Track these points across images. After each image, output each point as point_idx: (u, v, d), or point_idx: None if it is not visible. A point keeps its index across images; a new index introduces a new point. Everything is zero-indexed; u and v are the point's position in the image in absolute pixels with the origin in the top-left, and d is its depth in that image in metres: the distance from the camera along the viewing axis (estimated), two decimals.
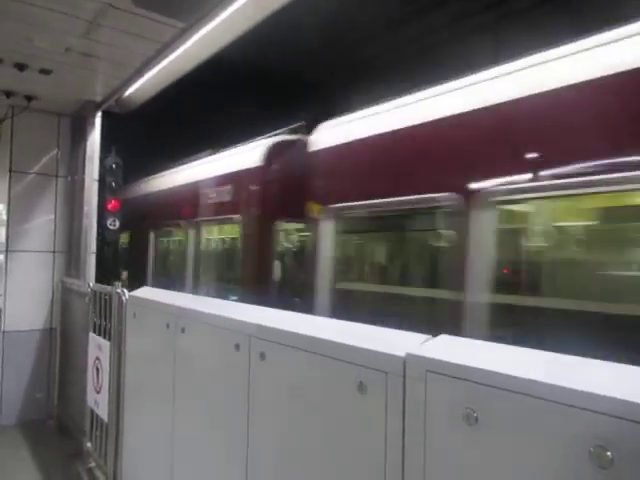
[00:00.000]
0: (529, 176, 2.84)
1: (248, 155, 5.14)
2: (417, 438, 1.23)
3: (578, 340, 1.94)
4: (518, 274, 3.20)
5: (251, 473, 1.87)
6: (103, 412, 3.46)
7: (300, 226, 4.84)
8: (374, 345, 1.40)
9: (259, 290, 4.62)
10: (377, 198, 3.72)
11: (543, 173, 2.80)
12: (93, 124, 5.10)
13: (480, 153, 3.19)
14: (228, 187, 5.27)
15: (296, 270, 4.91)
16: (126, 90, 4.62)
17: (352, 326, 1.68)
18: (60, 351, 5.11)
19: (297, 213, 4.33)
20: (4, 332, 4.95)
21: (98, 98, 4.96)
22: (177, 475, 2.44)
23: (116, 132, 5.95)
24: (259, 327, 1.88)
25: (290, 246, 5.15)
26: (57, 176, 5.34)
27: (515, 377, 1.05)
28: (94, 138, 5.13)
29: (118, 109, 5.15)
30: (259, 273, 4.81)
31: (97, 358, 3.66)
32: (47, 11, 3.15)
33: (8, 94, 4.67)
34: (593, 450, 0.92)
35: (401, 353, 1.30)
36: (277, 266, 4.75)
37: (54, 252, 5.28)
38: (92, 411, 3.79)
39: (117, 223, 6.22)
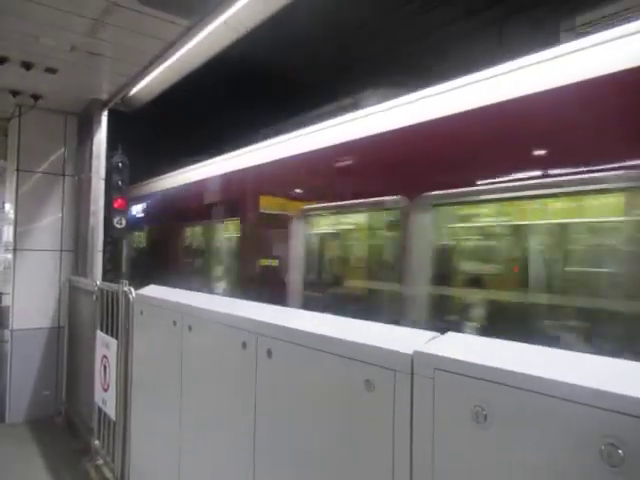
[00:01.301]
0: None
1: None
2: (425, 436, 1.22)
3: None
4: None
5: (258, 470, 1.87)
6: (110, 410, 3.48)
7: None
8: (381, 343, 1.39)
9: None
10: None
11: None
12: (99, 122, 5.12)
13: None
14: None
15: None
16: (132, 88, 4.64)
17: (359, 323, 1.68)
18: (68, 349, 5.14)
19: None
20: (12, 330, 4.99)
21: (104, 96, 4.97)
22: (184, 473, 2.45)
23: (122, 130, 5.96)
24: (266, 325, 1.87)
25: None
26: (64, 175, 5.37)
27: (525, 374, 1.04)
28: (100, 136, 5.15)
29: (124, 107, 5.17)
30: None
31: (104, 356, 3.68)
32: (53, 10, 3.16)
33: (14, 93, 4.69)
34: (604, 448, 0.91)
35: (409, 351, 1.29)
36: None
37: (61, 251, 5.31)
38: (100, 409, 3.81)
39: (123, 221, 6.23)
